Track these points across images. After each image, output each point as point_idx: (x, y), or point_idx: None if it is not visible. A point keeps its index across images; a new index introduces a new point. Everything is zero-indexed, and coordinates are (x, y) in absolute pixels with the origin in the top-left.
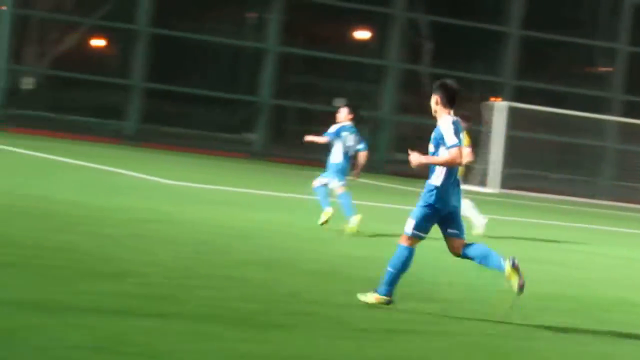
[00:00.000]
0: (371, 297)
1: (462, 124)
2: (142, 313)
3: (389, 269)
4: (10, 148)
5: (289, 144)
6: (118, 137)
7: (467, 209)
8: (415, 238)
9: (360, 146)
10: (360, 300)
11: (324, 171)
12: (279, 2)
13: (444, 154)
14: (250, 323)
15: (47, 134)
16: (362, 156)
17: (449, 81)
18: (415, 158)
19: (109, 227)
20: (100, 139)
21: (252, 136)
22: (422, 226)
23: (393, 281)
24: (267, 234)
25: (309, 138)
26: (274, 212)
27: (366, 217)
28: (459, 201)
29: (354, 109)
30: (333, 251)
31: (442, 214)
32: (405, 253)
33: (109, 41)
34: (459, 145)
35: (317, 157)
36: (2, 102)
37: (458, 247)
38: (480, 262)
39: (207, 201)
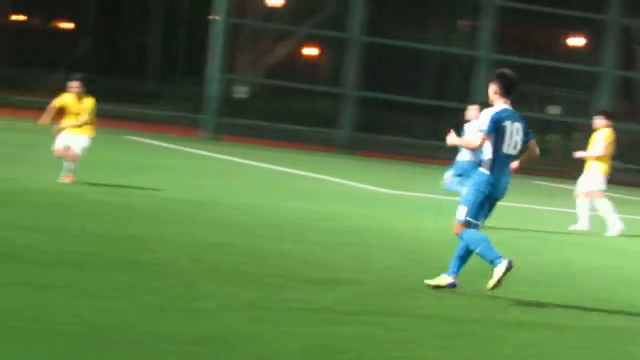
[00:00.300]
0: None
1: (599, 121)
2: (356, 321)
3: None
4: (225, 157)
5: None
6: (331, 146)
7: (606, 210)
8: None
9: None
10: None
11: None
12: (490, 9)
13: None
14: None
15: (260, 142)
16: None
17: (506, 70)
18: (449, 138)
19: (323, 234)
20: (313, 147)
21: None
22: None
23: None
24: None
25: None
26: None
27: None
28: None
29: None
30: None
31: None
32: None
33: (321, 50)
34: (484, 132)
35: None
36: (216, 111)
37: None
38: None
39: (420, 209)
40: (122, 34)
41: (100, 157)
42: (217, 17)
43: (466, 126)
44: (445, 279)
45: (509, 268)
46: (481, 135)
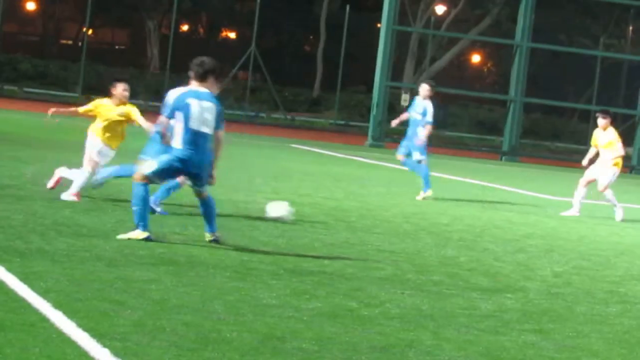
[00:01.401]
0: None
1: (602, 119)
2: (520, 328)
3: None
4: (390, 164)
5: None
6: (497, 153)
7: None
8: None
9: None
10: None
11: None
12: None
13: None
14: (629, 339)
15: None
16: None
17: (205, 59)
18: None
19: (488, 242)
20: (479, 154)
21: (629, 150)
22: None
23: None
24: None
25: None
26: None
27: None
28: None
29: None
30: None
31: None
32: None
33: (487, 56)
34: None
35: None
36: (380, 119)
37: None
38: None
39: (586, 216)
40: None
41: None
42: (382, 25)
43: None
44: (139, 234)
45: (145, 239)
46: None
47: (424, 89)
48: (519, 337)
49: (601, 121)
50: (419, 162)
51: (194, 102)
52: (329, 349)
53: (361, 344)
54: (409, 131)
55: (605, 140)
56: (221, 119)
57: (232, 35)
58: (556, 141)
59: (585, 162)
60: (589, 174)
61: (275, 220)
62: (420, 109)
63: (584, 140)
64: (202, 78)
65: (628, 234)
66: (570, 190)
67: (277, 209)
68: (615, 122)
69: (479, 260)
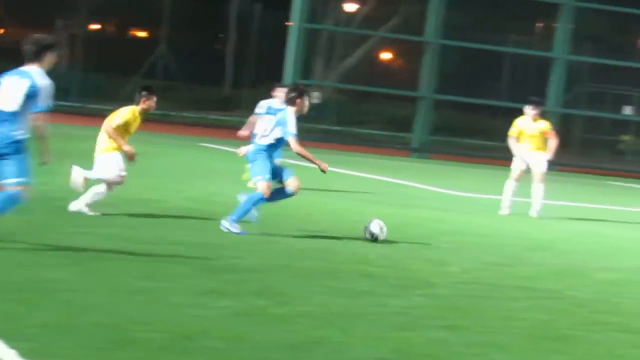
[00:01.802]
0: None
1: (530, 110)
2: (429, 324)
3: None
4: (296, 162)
5: (576, 153)
6: (406, 150)
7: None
8: None
9: None
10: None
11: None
12: (567, 10)
13: None
14: (537, 334)
15: (334, 147)
16: None
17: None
18: None
19: (398, 238)
20: (389, 151)
21: None
22: None
23: None
24: (559, 245)
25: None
26: (570, 223)
27: None
28: None
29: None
30: (625, 261)
31: None
32: None
33: (397, 54)
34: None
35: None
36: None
37: None
38: None
39: (495, 211)
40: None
41: (178, 163)
42: (292, 23)
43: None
44: None
45: None
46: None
47: (283, 91)
48: (428, 333)
49: (532, 111)
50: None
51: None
52: (238, 347)
53: (270, 342)
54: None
55: (536, 130)
56: (36, 99)
57: (143, 34)
58: (468, 137)
59: (518, 155)
60: (519, 166)
61: (373, 237)
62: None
63: (496, 137)
64: (36, 56)
65: (540, 230)
66: (481, 186)
67: (375, 226)
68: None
69: (389, 257)
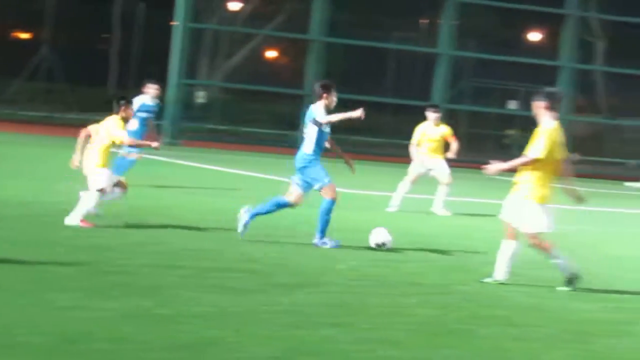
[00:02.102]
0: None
1: (432, 114)
2: (319, 322)
3: None
4: (184, 162)
5: (462, 148)
6: (293, 147)
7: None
8: None
9: None
10: None
11: None
12: (451, 6)
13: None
14: (427, 329)
15: (221, 146)
16: None
17: None
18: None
19: (289, 237)
20: (275, 149)
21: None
22: None
23: None
24: (446, 240)
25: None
26: (456, 219)
27: None
28: None
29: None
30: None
31: None
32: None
33: (282, 51)
34: None
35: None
36: (176, 117)
37: None
38: None
39: (382, 209)
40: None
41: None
42: (176, 23)
43: None
44: None
45: None
46: None
47: (153, 87)
48: (318, 331)
49: (434, 115)
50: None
51: None
52: (123, 349)
53: (157, 343)
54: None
55: (438, 134)
56: None
57: (26, 35)
58: (355, 135)
59: (416, 159)
60: (417, 170)
61: (380, 246)
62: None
63: (382, 133)
64: None
65: (428, 225)
66: (368, 183)
67: (379, 235)
68: (411, 114)
69: (279, 255)
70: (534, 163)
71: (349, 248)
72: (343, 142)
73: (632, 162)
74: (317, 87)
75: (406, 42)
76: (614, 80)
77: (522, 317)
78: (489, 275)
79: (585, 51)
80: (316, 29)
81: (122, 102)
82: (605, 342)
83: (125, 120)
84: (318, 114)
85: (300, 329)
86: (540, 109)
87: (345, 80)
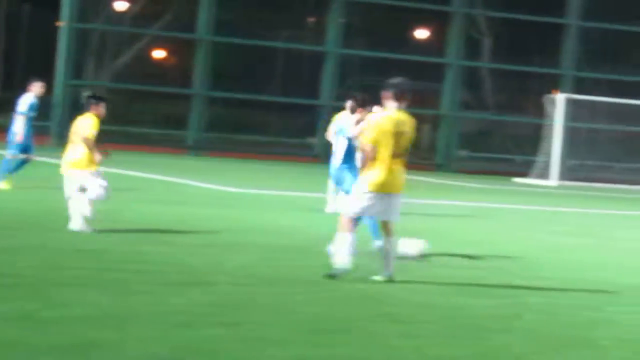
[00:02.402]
0: None
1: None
2: (208, 321)
3: None
4: None
5: None
6: (182, 147)
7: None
8: None
9: None
10: None
11: None
12: (338, 4)
13: None
14: (311, 327)
15: (108, 147)
16: None
17: None
18: None
19: (178, 236)
20: (164, 149)
21: (314, 140)
22: None
23: None
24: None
25: None
26: None
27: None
28: None
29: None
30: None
31: None
32: None
33: (170, 51)
34: None
35: None
36: (63, 118)
37: None
38: None
39: (273, 207)
40: None
41: None
42: (62, 23)
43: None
44: None
45: None
46: None
47: (38, 85)
48: (206, 331)
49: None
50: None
51: None
52: (7, 352)
53: (41, 345)
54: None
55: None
56: None
57: None
58: (244, 134)
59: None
60: None
61: (419, 257)
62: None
63: (271, 132)
64: None
65: (317, 224)
66: (257, 182)
67: (412, 246)
68: (300, 112)
69: (168, 255)
70: (371, 153)
71: (237, 247)
72: (230, 141)
73: (520, 158)
74: (352, 101)
75: (294, 40)
76: (501, 76)
77: (410, 314)
78: (377, 273)
79: (471, 48)
80: (203, 28)
81: (93, 100)
82: (496, 337)
83: (99, 118)
84: (349, 128)
85: (188, 329)
86: (386, 100)
87: (234, 80)
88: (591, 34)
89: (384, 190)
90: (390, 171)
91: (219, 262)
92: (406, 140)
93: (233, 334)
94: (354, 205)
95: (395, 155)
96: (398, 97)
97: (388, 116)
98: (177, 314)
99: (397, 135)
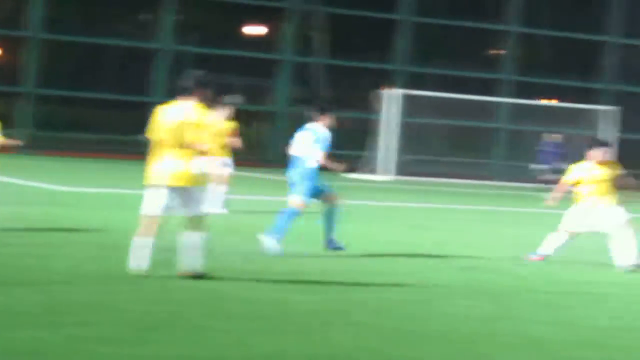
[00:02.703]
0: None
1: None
2: (33, 323)
3: None
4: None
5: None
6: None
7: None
8: None
9: None
10: None
11: None
12: (170, 0)
13: None
14: (138, 325)
15: None
16: None
17: None
18: None
19: (5, 235)
20: None
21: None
22: None
23: None
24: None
25: None
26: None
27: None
28: None
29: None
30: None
31: None
32: None
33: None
34: None
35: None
36: None
37: None
38: None
39: (103, 205)
40: None
41: None
42: None
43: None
44: None
45: None
46: None
47: None
48: (31, 332)
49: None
50: None
51: None
52: None
53: None
54: None
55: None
56: None
57: None
58: (75, 132)
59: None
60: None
61: None
62: None
63: (103, 130)
64: None
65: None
66: (94, 180)
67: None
68: (131, 109)
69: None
70: (155, 143)
71: (67, 245)
72: (63, 140)
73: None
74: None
75: (127, 37)
76: (335, 73)
77: (234, 310)
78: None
79: (305, 45)
80: (33, 26)
81: None
82: (323, 333)
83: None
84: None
85: (11, 330)
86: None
87: (65, 77)
88: (423, 30)
89: (178, 184)
90: (178, 163)
91: (47, 261)
92: (193, 131)
93: (60, 334)
94: (152, 204)
95: (180, 146)
96: (192, 91)
97: (164, 107)
98: (2, 314)
99: (180, 126)
